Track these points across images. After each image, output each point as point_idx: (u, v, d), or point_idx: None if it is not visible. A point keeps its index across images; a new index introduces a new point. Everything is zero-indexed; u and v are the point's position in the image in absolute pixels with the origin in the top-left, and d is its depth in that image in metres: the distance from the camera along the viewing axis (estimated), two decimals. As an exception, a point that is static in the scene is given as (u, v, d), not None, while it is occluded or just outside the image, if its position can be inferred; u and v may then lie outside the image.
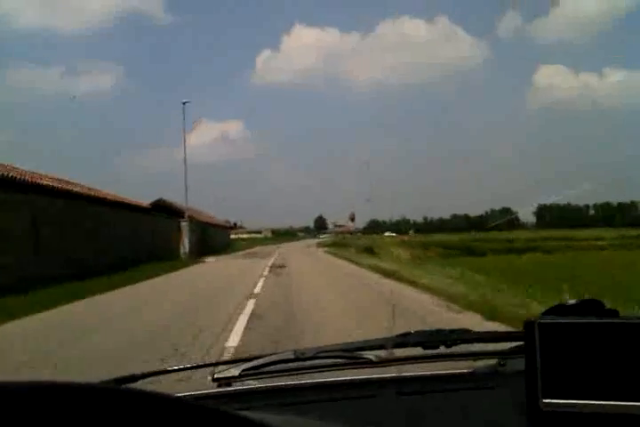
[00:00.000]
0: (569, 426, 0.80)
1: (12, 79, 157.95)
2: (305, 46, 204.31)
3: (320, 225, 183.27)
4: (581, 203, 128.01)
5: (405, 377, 1.16)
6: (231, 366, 1.18)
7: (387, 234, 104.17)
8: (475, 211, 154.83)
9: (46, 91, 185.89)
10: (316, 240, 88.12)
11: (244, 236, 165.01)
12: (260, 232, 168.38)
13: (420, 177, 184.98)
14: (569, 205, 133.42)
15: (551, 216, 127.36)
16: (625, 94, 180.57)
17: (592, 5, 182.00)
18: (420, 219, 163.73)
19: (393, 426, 0.94)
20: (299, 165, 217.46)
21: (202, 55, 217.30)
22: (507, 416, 0.93)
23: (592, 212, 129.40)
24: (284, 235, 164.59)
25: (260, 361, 1.17)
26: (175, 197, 34.06)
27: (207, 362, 1.38)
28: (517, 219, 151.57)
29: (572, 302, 0.85)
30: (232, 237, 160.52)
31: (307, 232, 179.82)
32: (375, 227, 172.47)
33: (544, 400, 0.80)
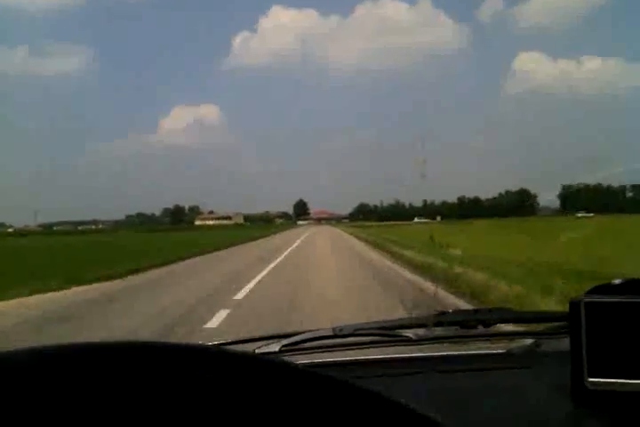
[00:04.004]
0: (613, 405, 0.80)
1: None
2: (282, 29, 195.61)
3: (300, 211, 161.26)
4: (616, 183, 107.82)
5: (443, 356, 1.16)
6: (271, 341, 1.20)
7: (416, 220, 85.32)
8: (482, 193, 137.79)
9: (10, 71, 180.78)
10: (314, 228, 59.68)
11: (211, 222, 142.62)
12: (229, 218, 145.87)
13: (407, 161, 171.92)
14: (600, 185, 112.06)
15: (578, 199, 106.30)
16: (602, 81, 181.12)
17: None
18: (417, 203, 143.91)
19: (431, 404, 0.92)
20: (276, 150, 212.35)
21: (176, 37, 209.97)
22: (546, 395, 0.93)
23: (630, 194, 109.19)
24: (258, 221, 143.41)
25: (300, 337, 1.19)
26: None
27: (247, 338, 1.32)
28: (537, 202, 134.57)
29: (616, 281, 0.84)
30: (197, 223, 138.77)
31: (285, 218, 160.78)
32: (365, 213, 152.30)
33: (590, 379, 0.80)
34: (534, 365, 1.05)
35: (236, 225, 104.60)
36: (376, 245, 21.37)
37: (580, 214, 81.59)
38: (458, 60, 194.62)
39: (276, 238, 36.13)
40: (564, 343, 0.87)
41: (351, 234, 38.89)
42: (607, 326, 0.80)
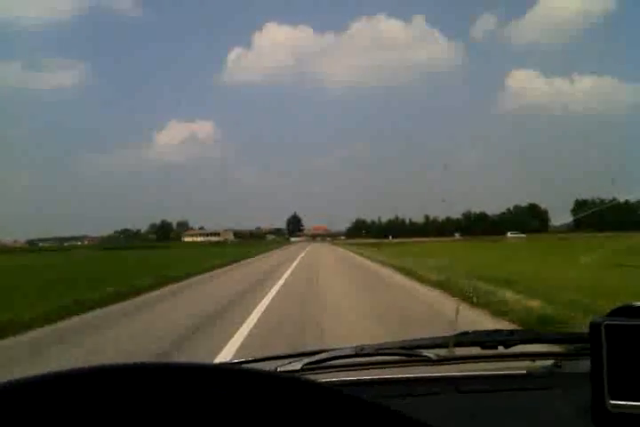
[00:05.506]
0: None
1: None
2: (277, 45, 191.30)
3: (294, 226, 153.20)
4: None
5: (464, 376, 1.16)
6: (293, 360, 1.20)
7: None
8: (486, 208, 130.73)
9: (3, 84, 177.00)
10: (310, 249, 48.20)
11: (199, 239, 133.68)
12: (218, 234, 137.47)
13: (403, 176, 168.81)
14: (615, 200, 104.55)
15: (593, 215, 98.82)
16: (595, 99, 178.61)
17: (566, 11, 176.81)
18: (418, 219, 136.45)
19: (451, 424, 0.93)
20: (270, 166, 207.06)
21: (171, 52, 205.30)
22: (567, 417, 0.92)
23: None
24: (249, 238, 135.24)
25: (322, 356, 1.20)
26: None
27: (269, 356, 1.33)
28: (549, 219, 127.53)
29: (638, 303, 0.83)
30: (185, 239, 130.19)
31: (277, 234, 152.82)
32: (363, 229, 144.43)
33: (611, 402, 0.79)
34: (555, 386, 1.04)
35: (215, 243, 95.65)
36: None
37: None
38: (452, 77, 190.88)
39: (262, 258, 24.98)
40: (585, 365, 0.86)
41: (396, 269, 16.06)
42: (628, 349, 0.78)
